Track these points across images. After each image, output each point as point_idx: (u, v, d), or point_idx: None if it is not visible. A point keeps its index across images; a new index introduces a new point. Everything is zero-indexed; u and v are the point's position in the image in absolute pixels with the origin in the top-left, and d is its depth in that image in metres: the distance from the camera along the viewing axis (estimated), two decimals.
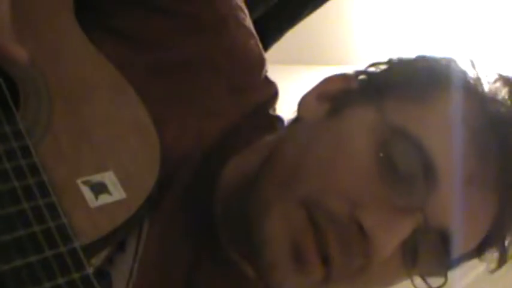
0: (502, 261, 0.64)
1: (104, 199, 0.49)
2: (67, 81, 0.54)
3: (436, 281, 0.63)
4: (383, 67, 0.68)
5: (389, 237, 0.57)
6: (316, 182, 0.60)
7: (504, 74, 0.64)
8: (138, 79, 0.64)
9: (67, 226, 0.45)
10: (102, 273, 0.60)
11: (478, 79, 0.63)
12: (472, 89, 0.63)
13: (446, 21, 3.33)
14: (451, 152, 0.59)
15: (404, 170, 0.58)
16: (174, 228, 0.67)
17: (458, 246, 0.60)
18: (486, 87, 0.63)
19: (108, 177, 0.50)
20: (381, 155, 0.59)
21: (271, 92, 0.75)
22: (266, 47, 1.39)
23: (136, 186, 0.51)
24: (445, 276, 0.61)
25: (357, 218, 0.57)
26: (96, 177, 0.50)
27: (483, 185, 0.59)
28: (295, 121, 0.70)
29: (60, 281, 0.42)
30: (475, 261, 1.99)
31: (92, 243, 0.47)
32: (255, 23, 1.36)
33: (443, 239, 0.59)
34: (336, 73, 0.69)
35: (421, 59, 0.67)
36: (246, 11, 0.75)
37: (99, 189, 0.50)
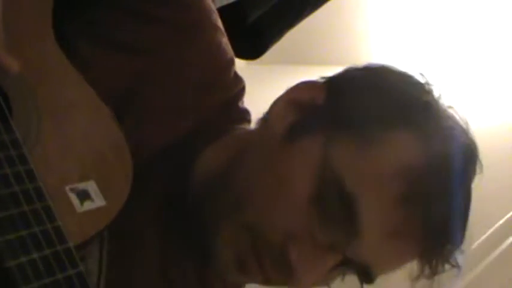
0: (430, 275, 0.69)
1: (88, 205, 0.55)
2: (53, 99, 0.60)
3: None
4: (356, 76, 0.71)
5: (308, 271, 0.65)
6: (259, 210, 0.67)
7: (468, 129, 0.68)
8: (120, 84, 0.72)
9: (62, 228, 0.50)
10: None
11: (440, 121, 0.66)
12: (428, 132, 0.65)
13: (449, 21, 3.34)
14: (380, 208, 0.63)
15: (332, 213, 0.64)
16: (145, 218, 0.73)
17: (373, 274, 0.67)
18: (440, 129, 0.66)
19: (91, 186, 0.56)
20: (316, 196, 0.65)
21: (240, 87, 0.81)
22: (266, 47, 1.40)
23: (114, 194, 0.58)
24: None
25: (286, 251, 0.65)
26: (81, 185, 0.56)
27: (406, 237, 0.64)
28: (262, 122, 0.74)
29: (59, 276, 0.47)
30: (474, 261, 1.97)
31: (78, 245, 0.52)
32: (255, 23, 1.37)
33: (364, 271, 0.66)
34: (307, 80, 0.73)
35: (398, 88, 0.69)
36: (216, 11, 0.81)
37: (83, 196, 0.55)
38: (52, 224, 0.50)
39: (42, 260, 0.47)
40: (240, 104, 0.81)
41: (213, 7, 0.80)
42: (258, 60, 1.43)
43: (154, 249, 0.75)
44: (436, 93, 0.70)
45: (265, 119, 0.74)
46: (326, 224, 0.64)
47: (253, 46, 1.41)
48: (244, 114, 0.81)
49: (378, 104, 0.67)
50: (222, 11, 1.27)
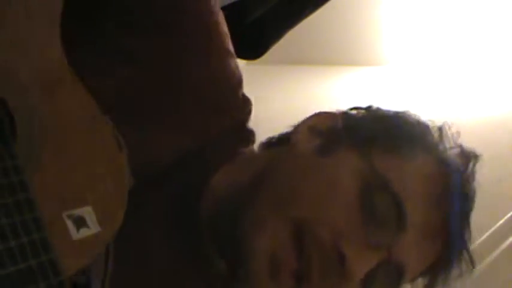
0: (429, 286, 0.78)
1: (84, 232, 0.55)
2: (56, 118, 0.60)
3: None
4: (364, 112, 0.81)
5: (362, 265, 0.70)
6: (308, 209, 0.71)
7: (465, 147, 0.79)
8: (129, 96, 0.74)
9: (57, 260, 0.50)
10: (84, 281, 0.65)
11: (444, 147, 0.78)
12: (439, 155, 0.77)
13: (447, 22, 3.34)
14: (420, 205, 0.73)
15: (381, 213, 0.71)
16: (153, 229, 0.76)
17: (405, 277, 0.75)
18: (449, 154, 0.78)
19: (87, 212, 0.56)
20: (364, 197, 0.71)
21: (248, 108, 0.85)
22: (266, 47, 1.40)
23: (109, 220, 0.58)
24: None
25: (339, 247, 0.70)
26: (78, 212, 0.56)
27: (436, 235, 0.74)
28: (285, 143, 0.81)
29: None
30: (475, 260, 1.96)
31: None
32: (255, 23, 1.37)
33: (398, 272, 0.73)
34: (325, 111, 0.81)
35: (401, 118, 0.80)
36: (229, 35, 0.84)
37: (80, 222, 0.56)
38: (48, 256, 0.50)
39: None
40: (247, 126, 0.85)
41: (227, 31, 0.83)
42: (258, 60, 1.43)
43: (164, 266, 0.76)
44: (427, 126, 0.80)
45: (285, 141, 0.80)
46: (374, 223, 0.71)
47: (254, 46, 1.41)
48: (251, 136, 0.85)
49: (393, 130, 0.77)
50: (222, 10, 1.28)
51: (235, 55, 0.84)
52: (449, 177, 0.75)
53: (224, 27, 0.82)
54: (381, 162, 0.73)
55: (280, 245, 0.70)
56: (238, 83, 0.84)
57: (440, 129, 0.79)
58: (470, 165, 0.78)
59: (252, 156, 0.83)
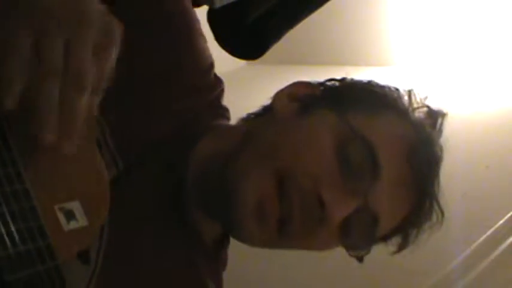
0: (402, 247, 0.84)
1: (73, 225, 0.59)
2: None
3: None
4: (338, 83, 0.88)
5: (341, 209, 0.76)
6: (290, 160, 0.77)
7: (432, 107, 0.86)
8: (120, 85, 0.73)
9: (53, 246, 0.54)
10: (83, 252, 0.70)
11: (412, 108, 0.85)
12: (408, 115, 0.84)
13: (447, 22, 3.34)
14: (392, 156, 0.79)
15: (357, 162, 0.77)
16: (143, 203, 0.82)
17: (380, 228, 0.80)
18: (417, 115, 0.85)
19: (75, 206, 0.60)
20: (340, 148, 0.78)
21: (221, 87, 0.93)
22: (266, 47, 1.40)
23: (95, 215, 0.62)
24: (369, 250, 0.82)
25: (319, 191, 0.76)
26: (68, 205, 0.60)
27: (407, 186, 0.80)
28: (266, 110, 0.87)
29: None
30: (474, 261, 1.97)
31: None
32: (255, 23, 1.37)
33: (374, 219, 0.79)
34: (302, 80, 0.88)
35: (373, 83, 0.87)
36: (199, 20, 0.90)
37: (69, 215, 0.59)
38: (45, 241, 0.54)
39: (35, 276, 0.52)
40: (222, 103, 0.92)
41: (193, 12, 0.89)
42: (258, 60, 1.44)
43: (154, 238, 0.82)
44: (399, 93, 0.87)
45: (267, 109, 0.87)
46: (350, 172, 0.77)
47: (254, 46, 1.41)
48: (226, 112, 0.92)
49: (367, 95, 0.85)
50: (222, 10, 1.28)
51: (204, 36, 0.90)
52: (418, 134, 0.82)
53: (190, 9, 0.88)
54: (355, 118, 0.79)
55: (265, 193, 0.76)
56: (210, 64, 0.90)
57: (409, 92, 0.86)
58: (438, 122, 0.85)
59: (233, 126, 0.89)
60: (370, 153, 0.77)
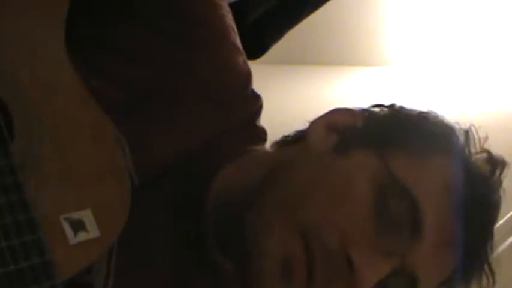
0: None
1: (81, 236, 0.54)
2: (57, 118, 0.59)
3: None
4: (386, 112, 0.76)
5: (372, 274, 0.66)
6: (316, 212, 0.68)
7: (492, 153, 0.75)
8: (134, 95, 0.72)
9: (51, 264, 0.49)
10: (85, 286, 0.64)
11: (469, 154, 0.74)
12: (463, 161, 0.73)
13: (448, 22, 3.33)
14: (439, 214, 0.69)
15: (396, 219, 0.67)
16: (156, 228, 0.73)
17: None
18: (474, 161, 0.74)
19: (86, 216, 0.55)
20: (378, 201, 0.67)
21: (258, 105, 0.83)
22: (266, 47, 1.40)
23: (109, 226, 0.56)
24: None
25: (348, 252, 0.66)
26: (76, 215, 0.54)
27: (452, 247, 0.70)
28: (300, 140, 0.78)
29: None
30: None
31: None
32: (255, 23, 1.37)
33: (412, 283, 0.69)
34: (344, 107, 0.77)
35: (425, 119, 0.75)
36: (236, 30, 0.82)
37: (77, 226, 0.54)
38: (41, 258, 0.49)
39: None
40: (257, 123, 0.83)
41: (234, 25, 0.81)
42: (258, 60, 1.43)
43: (167, 265, 0.74)
44: (452, 127, 0.76)
45: (300, 138, 0.77)
46: (387, 229, 0.67)
47: (254, 46, 1.41)
48: (262, 134, 0.83)
49: (418, 134, 0.73)
50: None
51: (242, 50, 0.82)
52: (472, 184, 0.72)
53: (230, 21, 0.81)
54: (399, 165, 0.70)
55: (288, 249, 0.68)
56: (247, 78, 0.82)
57: (466, 132, 0.75)
58: (497, 172, 0.75)
59: (263, 153, 0.80)
60: (413, 208, 0.68)
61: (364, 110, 0.77)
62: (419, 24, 3.37)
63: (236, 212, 0.71)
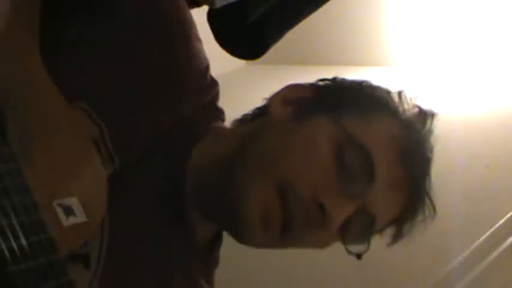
0: (396, 238, 0.87)
1: (72, 220, 0.60)
2: (43, 116, 0.65)
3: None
4: (330, 84, 0.90)
5: (340, 213, 0.80)
6: (288, 170, 0.81)
7: (422, 106, 0.89)
8: (118, 90, 0.81)
9: (54, 240, 0.54)
10: (83, 257, 0.72)
11: (404, 109, 0.88)
12: (400, 117, 0.87)
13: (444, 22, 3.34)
14: (387, 159, 0.82)
15: (355, 168, 0.81)
16: (140, 203, 0.84)
17: (377, 226, 0.84)
18: (408, 116, 0.88)
19: (74, 202, 0.61)
20: (337, 154, 0.81)
21: (217, 88, 0.93)
22: (266, 47, 1.40)
23: (93, 211, 0.63)
24: (368, 244, 0.84)
25: (320, 200, 0.80)
26: (66, 201, 0.61)
27: (401, 186, 0.84)
28: (259, 116, 0.90)
29: (52, 283, 0.53)
30: (474, 261, 1.97)
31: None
32: (255, 23, 1.37)
33: (371, 219, 0.83)
34: (295, 83, 0.90)
35: (365, 85, 0.90)
36: (195, 23, 0.90)
37: (68, 211, 0.60)
38: (46, 235, 0.54)
39: (38, 268, 0.52)
40: (217, 105, 0.94)
41: (191, 13, 0.90)
42: (258, 60, 1.44)
43: (152, 236, 0.85)
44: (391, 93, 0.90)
45: (261, 113, 0.89)
46: (348, 177, 0.81)
47: (254, 46, 1.42)
48: (221, 114, 0.94)
49: (360, 98, 0.87)
50: (222, 11, 1.28)
51: (200, 39, 0.90)
52: (410, 136, 0.85)
53: (189, 11, 0.89)
54: (351, 125, 0.82)
55: (268, 203, 0.80)
56: (206, 66, 0.91)
57: (399, 92, 0.89)
58: (428, 121, 0.88)
59: (229, 130, 0.92)
60: (367, 158, 0.81)
61: (312, 84, 0.90)
62: (422, 24, 3.37)
63: (215, 180, 0.83)
